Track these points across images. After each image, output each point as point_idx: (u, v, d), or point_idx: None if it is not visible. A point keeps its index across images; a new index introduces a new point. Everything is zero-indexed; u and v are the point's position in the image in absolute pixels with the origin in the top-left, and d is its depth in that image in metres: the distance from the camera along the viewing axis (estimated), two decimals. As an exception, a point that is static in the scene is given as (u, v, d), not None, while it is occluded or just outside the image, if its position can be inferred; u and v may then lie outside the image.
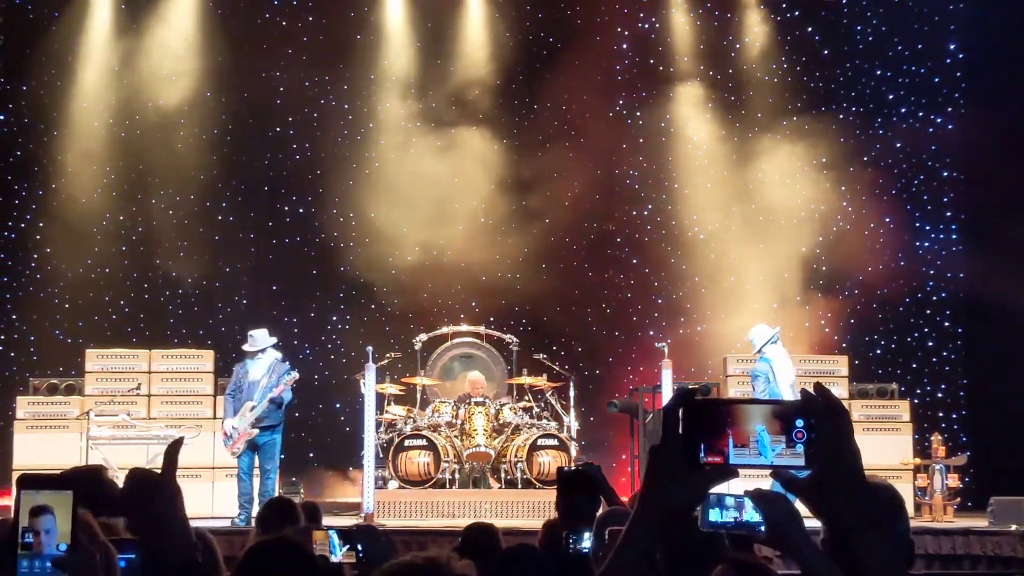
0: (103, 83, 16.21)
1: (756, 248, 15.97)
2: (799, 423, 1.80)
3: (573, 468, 6.10)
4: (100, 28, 16.25)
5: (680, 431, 1.81)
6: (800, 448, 1.80)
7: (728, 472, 1.81)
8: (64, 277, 15.98)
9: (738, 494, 2.28)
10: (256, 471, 12.08)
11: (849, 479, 1.80)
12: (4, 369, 15.72)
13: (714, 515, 2.34)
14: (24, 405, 13.76)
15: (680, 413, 1.81)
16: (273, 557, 3.07)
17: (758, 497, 2.09)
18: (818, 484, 1.79)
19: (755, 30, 17.15)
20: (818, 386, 1.84)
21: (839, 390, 13.67)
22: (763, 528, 2.10)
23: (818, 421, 1.79)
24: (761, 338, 12.48)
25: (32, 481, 2.25)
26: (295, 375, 12.05)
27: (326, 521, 7.25)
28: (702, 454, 1.80)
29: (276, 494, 12.38)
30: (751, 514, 2.16)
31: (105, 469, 5.73)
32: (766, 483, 2.20)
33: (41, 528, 2.24)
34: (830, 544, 1.93)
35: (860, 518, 1.80)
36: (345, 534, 4.23)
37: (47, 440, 13.33)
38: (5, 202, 16.19)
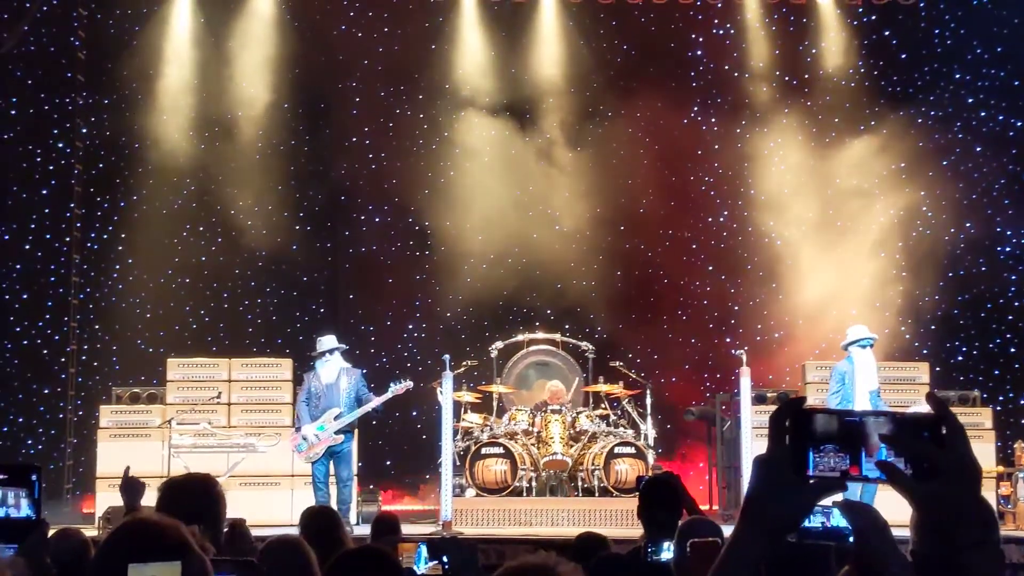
0: (182, 96, 16.44)
1: (834, 253, 15.78)
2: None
3: (652, 476, 6.03)
4: (179, 42, 16.50)
5: (787, 441, 1.74)
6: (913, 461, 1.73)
7: (836, 484, 1.74)
8: (145, 287, 16.23)
9: (827, 504, 2.25)
10: (333, 479, 12.16)
11: (971, 494, 1.72)
12: (87, 379, 15.99)
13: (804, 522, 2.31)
14: (107, 414, 13.99)
15: (786, 423, 1.74)
16: (362, 565, 3.09)
17: (846, 507, 2.06)
18: (937, 497, 1.74)
19: (831, 34, 16.97)
20: (931, 396, 1.76)
21: (919, 398, 13.45)
22: (851, 537, 2.07)
23: (935, 433, 1.72)
24: (849, 337, 12.32)
25: (143, 551, 2.24)
26: (409, 384, 12.14)
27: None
28: (810, 465, 1.74)
29: (354, 502, 12.50)
30: (838, 519, 2.12)
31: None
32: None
33: None
34: (922, 558, 1.87)
35: (976, 533, 1.74)
36: (431, 545, 4.24)
37: (130, 448, 13.50)
38: (88, 214, 16.48)
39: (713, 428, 14.39)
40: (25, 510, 2.84)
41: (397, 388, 12.02)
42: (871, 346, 12.25)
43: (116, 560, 2.13)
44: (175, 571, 2.22)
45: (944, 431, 1.71)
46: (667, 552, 4.36)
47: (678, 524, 4.58)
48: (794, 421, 1.75)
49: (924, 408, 1.77)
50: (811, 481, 1.73)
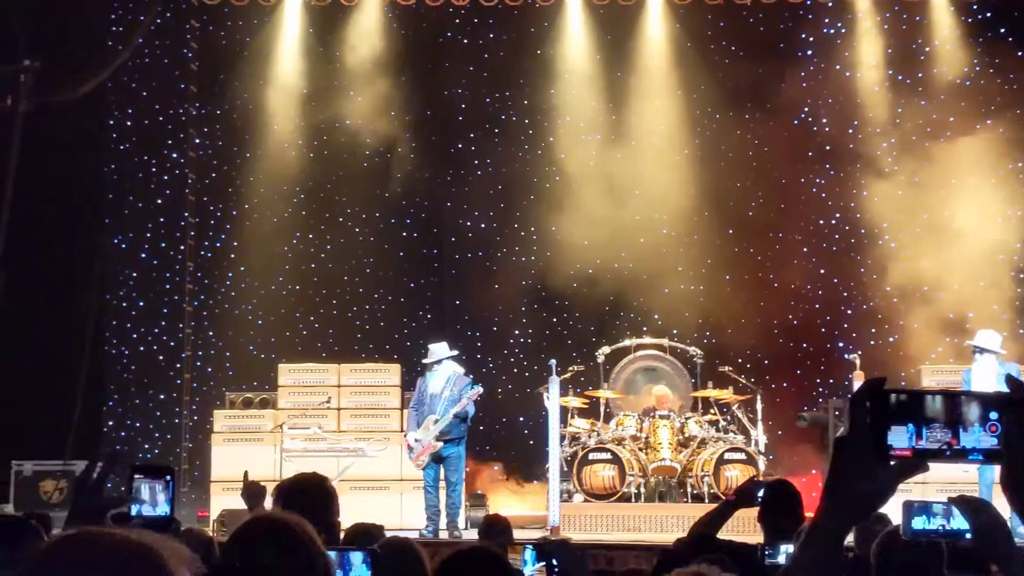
0: (292, 105, 16.68)
1: (950, 256, 15.40)
2: (993, 415, 1.72)
3: (776, 481, 6.01)
4: (288, 52, 16.74)
5: (868, 422, 1.73)
6: (995, 441, 1.71)
7: (918, 465, 1.72)
8: (257, 294, 16.49)
9: (942, 500, 2.18)
10: (442, 483, 12.21)
11: None
12: (202, 384, 16.28)
13: (919, 523, 2.25)
14: (221, 419, 14.25)
15: (868, 403, 1.73)
16: (473, 566, 3.08)
17: (964, 503, 2.01)
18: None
19: (945, 32, 16.60)
20: (1010, 379, 1.76)
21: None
22: (968, 536, 2.02)
23: (1016, 413, 1.70)
24: (975, 342, 12.10)
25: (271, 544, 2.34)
26: (479, 390, 12.13)
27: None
28: (891, 446, 1.72)
29: (463, 507, 12.55)
30: (960, 522, 2.07)
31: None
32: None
33: None
34: None
35: None
36: (540, 549, 4.21)
37: (243, 453, 13.73)
38: (201, 223, 16.78)
39: (826, 434, 14.13)
40: (163, 507, 2.93)
41: (471, 393, 12.02)
42: (989, 353, 11.99)
43: (244, 550, 2.17)
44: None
45: (1010, 414, 1.71)
46: (783, 556, 4.38)
47: (798, 530, 4.57)
48: (875, 402, 1.72)
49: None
50: (893, 461, 1.72)
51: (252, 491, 7.44)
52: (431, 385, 12.25)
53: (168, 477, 2.94)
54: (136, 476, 2.90)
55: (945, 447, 1.72)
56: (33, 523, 3.08)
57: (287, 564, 2.58)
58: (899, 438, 1.72)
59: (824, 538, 1.77)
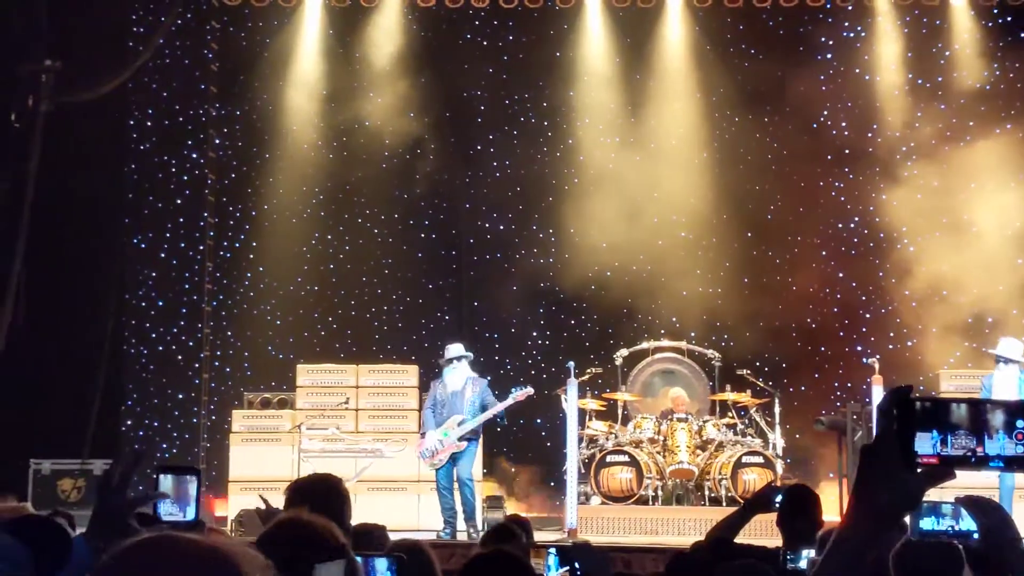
0: (312, 106, 16.72)
1: (969, 261, 15.34)
2: (1020, 423, 1.73)
3: (795, 486, 6.02)
4: (308, 53, 16.78)
5: (894, 429, 1.74)
6: (1020, 448, 1.72)
7: (945, 473, 1.74)
8: (276, 294, 16.54)
9: (950, 501, 2.19)
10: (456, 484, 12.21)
11: None
12: (220, 384, 16.33)
13: (927, 523, 2.26)
14: (239, 419, 14.29)
15: (895, 411, 1.75)
16: (496, 569, 3.08)
17: (972, 504, 2.02)
18: None
19: (965, 36, 16.54)
20: None
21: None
22: (975, 536, 2.03)
23: None
24: (997, 351, 12.05)
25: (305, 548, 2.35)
26: (529, 390, 12.17)
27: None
28: (917, 453, 1.73)
29: (479, 508, 12.55)
30: (968, 523, 2.09)
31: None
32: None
33: None
34: None
35: None
36: (562, 552, 4.21)
37: (261, 453, 13.80)
38: (221, 222, 16.84)
39: (844, 438, 14.09)
40: (190, 509, 2.91)
41: (518, 394, 12.05)
42: (1013, 363, 11.94)
43: (275, 554, 2.17)
44: (340, 569, 2.33)
45: None
46: (804, 560, 4.38)
47: (817, 534, 4.58)
48: (902, 410, 1.74)
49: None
50: (919, 469, 1.73)
51: (269, 518, 7.44)
52: (449, 384, 12.24)
53: (194, 477, 2.93)
54: (161, 476, 2.89)
55: (970, 454, 1.73)
56: (60, 521, 3.07)
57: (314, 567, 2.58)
58: (925, 445, 1.73)
59: (851, 546, 1.77)
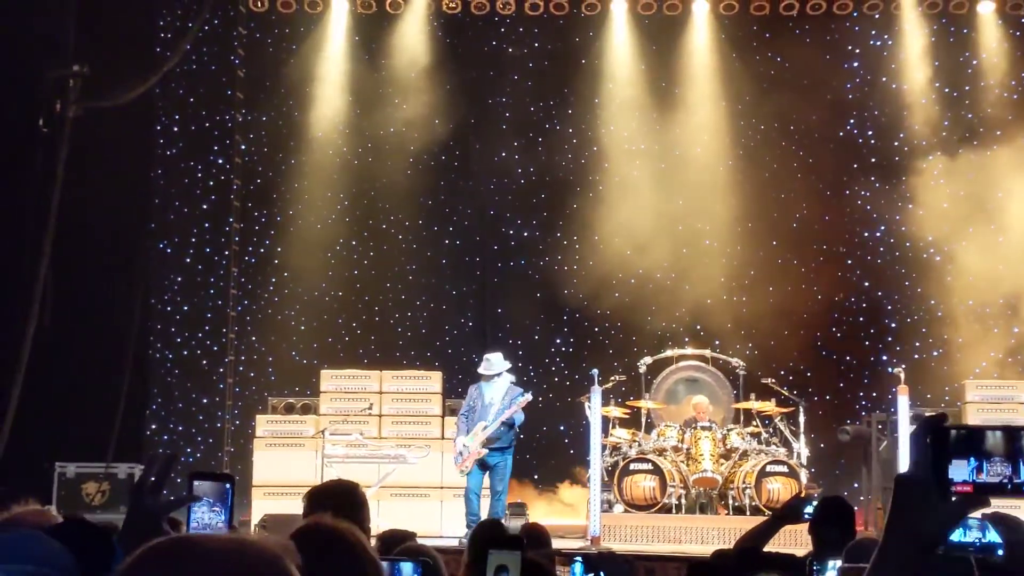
0: (337, 112, 16.77)
1: (996, 269, 15.26)
2: None
3: (829, 495, 6.02)
4: (334, 60, 16.84)
5: (929, 458, 1.75)
6: None
7: (980, 501, 1.75)
8: (300, 300, 16.58)
9: (977, 516, 2.18)
10: (486, 491, 12.17)
11: None
12: (244, 389, 16.37)
13: (955, 535, 2.25)
14: (263, 424, 14.30)
15: (928, 440, 1.75)
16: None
17: (998, 520, 2.02)
18: None
19: (992, 45, 16.47)
20: None
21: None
22: (1000, 552, 2.03)
23: None
24: None
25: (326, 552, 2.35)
26: (528, 397, 12.08)
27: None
28: (952, 480, 1.74)
29: (505, 515, 12.50)
30: (994, 537, 2.08)
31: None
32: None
33: None
34: None
35: None
36: (587, 560, 4.19)
37: (284, 458, 13.81)
38: (246, 228, 16.90)
39: (868, 448, 14.02)
40: (223, 515, 2.89)
41: (520, 400, 11.97)
42: None
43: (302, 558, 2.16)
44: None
45: None
46: (832, 571, 4.34)
47: (848, 544, 4.54)
48: (935, 438, 1.75)
49: None
50: (954, 498, 1.74)
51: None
52: (486, 395, 12.13)
53: (228, 484, 2.91)
54: (196, 482, 2.88)
55: (1006, 480, 1.74)
56: (108, 531, 3.04)
57: (339, 572, 2.58)
58: (960, 473, 1.74)
59: (888, 573, 1.78)
